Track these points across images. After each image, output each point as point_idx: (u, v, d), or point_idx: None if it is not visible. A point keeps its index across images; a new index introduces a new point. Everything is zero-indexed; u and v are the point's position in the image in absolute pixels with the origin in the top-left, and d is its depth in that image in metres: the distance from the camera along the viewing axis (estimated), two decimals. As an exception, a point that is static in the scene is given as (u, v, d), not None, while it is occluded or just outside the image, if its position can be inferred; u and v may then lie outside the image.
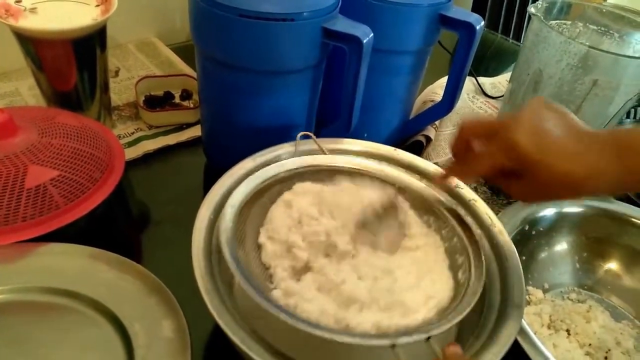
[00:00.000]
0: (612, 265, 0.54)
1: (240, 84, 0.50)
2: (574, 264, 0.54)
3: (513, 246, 0.43)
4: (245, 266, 0.36)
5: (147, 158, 0.61)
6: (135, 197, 0.58)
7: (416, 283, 0.38)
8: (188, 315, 0.38)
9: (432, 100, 0.71)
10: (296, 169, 0.45)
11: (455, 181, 0.46)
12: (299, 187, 0.45)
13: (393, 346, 0.31)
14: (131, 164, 0.59)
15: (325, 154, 0.48)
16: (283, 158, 0.47)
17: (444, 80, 0.69)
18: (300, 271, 0.40)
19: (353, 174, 0.47)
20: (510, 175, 0.35)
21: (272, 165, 0.45)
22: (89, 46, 0.55)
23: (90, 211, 0.45)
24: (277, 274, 0.39)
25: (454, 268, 0.41)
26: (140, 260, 0.46)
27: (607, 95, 0.52)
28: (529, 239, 0.52)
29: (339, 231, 0.41)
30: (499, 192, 0.62)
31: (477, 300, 0.35)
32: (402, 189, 0.46)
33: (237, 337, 0.33)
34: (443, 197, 0.45)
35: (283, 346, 0.33)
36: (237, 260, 0.35)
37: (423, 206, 0.45)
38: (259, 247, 0.41)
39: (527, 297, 0.51)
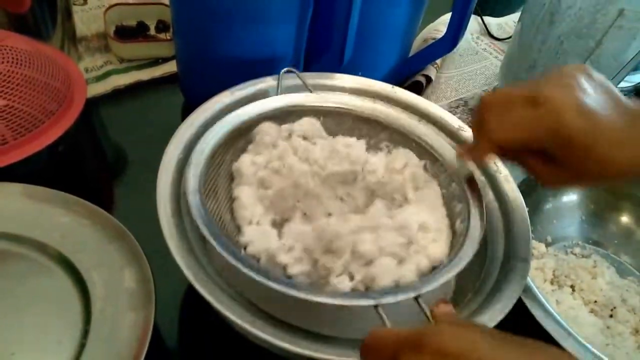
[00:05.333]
0: (623, 218, 0.50)
1: (218, 7, 0.44)
2: (580, 216, 0.51)
3: (520, 195, 0.39)
4: (216, 218, 0.32)
5: (118, 94, 0.55)
6: (103, 137, 0.52)
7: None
8: (156, 265, 0.34)
9: (433, 38, 0.65)
10: (274, 109, 0.40)
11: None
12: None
13: (376, 306, 0.27)
14: (99, 101, 0.54)
15: (310, 92, 0.42)
16: (264, 93, 0.41)
17: (446, 17, 0.63)
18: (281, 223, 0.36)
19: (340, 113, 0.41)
20: (538, 156, 0.29)
21: (247, 107, 0.39)
22: (44, -39, 0.48)
23: (45, 148, 0.39)
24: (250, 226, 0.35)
25: (451, 217, 0.36)
26: (106, 204, 0.41)
27: (632, 27, 0.46)
28: (535, 188, 0.48)
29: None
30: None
31: (476, 254, 0.31)
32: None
33: (206, 289, 0.28)
34: (443, 138, 0.41)
35: (258, 299, 0.30)
36: (205, 211, 0.31)
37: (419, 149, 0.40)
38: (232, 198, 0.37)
39: (529, 250, 0.47)
